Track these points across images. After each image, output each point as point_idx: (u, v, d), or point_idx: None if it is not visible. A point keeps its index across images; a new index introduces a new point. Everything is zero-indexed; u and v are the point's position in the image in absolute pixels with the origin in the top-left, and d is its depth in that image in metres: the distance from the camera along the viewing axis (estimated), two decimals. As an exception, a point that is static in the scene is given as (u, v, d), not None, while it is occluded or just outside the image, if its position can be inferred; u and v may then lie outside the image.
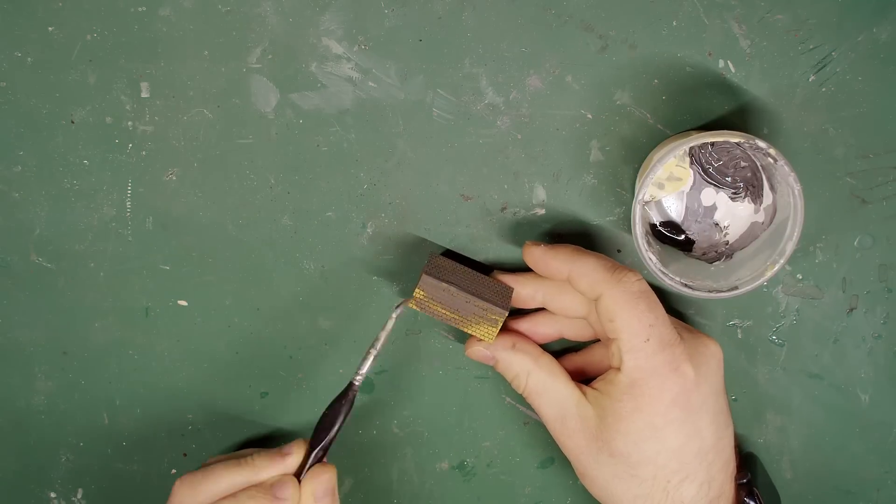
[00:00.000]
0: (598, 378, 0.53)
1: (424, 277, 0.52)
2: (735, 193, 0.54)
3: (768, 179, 0.53)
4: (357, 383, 0.53)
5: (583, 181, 0.56)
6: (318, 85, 0.55)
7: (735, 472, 0.52)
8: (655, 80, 0.55)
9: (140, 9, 0.54)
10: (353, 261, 0.57)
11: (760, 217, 0.54)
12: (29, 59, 0.55)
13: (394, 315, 0.53)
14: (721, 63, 0.55)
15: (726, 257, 0.54)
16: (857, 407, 0.58)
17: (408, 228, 0.57)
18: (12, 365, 0.58)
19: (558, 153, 0.56)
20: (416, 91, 0.55)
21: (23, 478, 0.59)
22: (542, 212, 0.57)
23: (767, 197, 0.54)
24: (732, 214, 0.55)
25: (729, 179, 0.54)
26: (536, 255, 0.53)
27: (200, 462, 0.59)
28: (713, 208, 0.55)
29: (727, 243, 0.55)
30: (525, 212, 0.57)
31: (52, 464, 0.59)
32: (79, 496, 0.60)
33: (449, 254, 0.57)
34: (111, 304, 0.57)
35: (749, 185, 0.54)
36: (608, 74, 0.55)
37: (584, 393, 0.52)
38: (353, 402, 0.53)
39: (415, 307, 0.53)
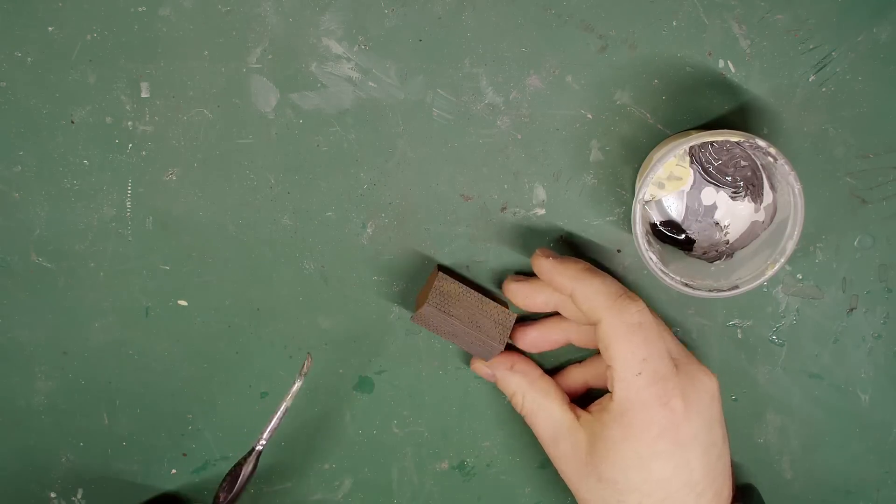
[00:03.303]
0: (595, 402, 0.53)
1: (427, 308, 0.54)
2: (735, 192, 0.54)
3: (768, 178, 0.53)
4: (260, 448, 0.54)
5: (583, 181, 0.56)
6: (318, 85, 0.55)
7: (730, 500, 0.52)
8: (655, 80, 0.55)
9: (140, 9, 0.54)
10: (353, 261, 0.57)
11: (761, 216, 0.54)
12: (29, 59, 0.55)
13: (298, 383, 0.54)
14: (721, 63, 0.55)
15: (726, 256, 0.54)
16: (857, 407, 0.58)
17: (408, 228, 0.57)
18: (12, 365, 0.58)
19: (558, 153, 0.56)
20: (416, 91, 0.55)
21: (23, 478, 0.59)
22: (542, 212, 0.57)
23: (767, 196, 0.54)
24: (733, 213, 0.55)
25: (729, 179, 0.54)
26: (544, 268, 0.53)
27: (200, 462, 0.59)
28: (713, 207, 0.55)
29: (727, 242, 0.55)
30: (525, 212, 0.57)
31: (52, 464, 0.59)
32: (79, 496, 0.60)
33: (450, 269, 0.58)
34: (111, 304, 0.57)
35: (749, 185, 0.54)
36: (608, 74, 0.55)
37: (577, 416, 0.53)
38: (255, 467, 0.54)
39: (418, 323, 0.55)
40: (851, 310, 0.57)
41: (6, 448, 0.59)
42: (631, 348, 0.50)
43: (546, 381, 0.55)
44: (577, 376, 0.57)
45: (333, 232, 0.57)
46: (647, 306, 0.51)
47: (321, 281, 0.57)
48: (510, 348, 0.57)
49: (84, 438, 0.59)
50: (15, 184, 0.56)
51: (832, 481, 0.59)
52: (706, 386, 0.52)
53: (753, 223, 0.54)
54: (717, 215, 0.55)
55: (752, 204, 0.54)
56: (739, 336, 0.57)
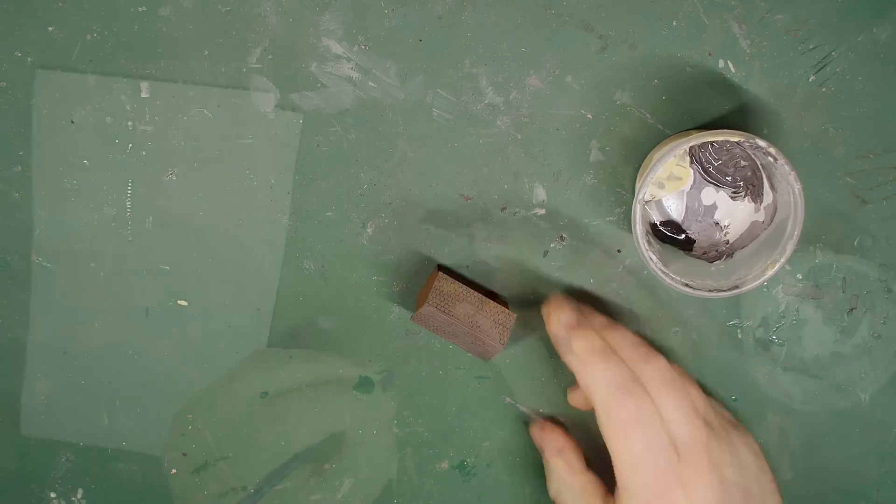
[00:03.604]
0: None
1: (427, 308, 0.54)
2: (735, 192, 0.54)
3: (768, 178, 0.53)
4: None
5: (583, 181, 0.56)
6: (318, 85, 0.55)
7: None
8: (655, 80, 0.55)
9: (140, 9, 0.54)
10: (353, 261, 0.57)
11: (761, 216, 0.54)
12: (29, 59, 0.55)
13: None
14: (721, 63, 0.55)
15: (727, 256, 0.54)
16: (857, 407, 0.58)
17: (408, 228, 0.57)
18: (12, 365, 0.58)
19: (558, 153, 0.56)
20: (416, 91, 0.55)
21: (23, 478, 0.59)
22: (542, 212, 0.57)
23: (767, 196, 0.54)
24: (733, 213, 0.55)
25: (729, 178, 0.54)
26: (554, 337, 0.53)
27: (200, 462, 0.59)
28: (713, 207, 0.55)
29: (727, 242, 0.55)
30: (525, 212, 0.57)
31: (52, 464, 0.59)
32: (79, 496, 0.60)
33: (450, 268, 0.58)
34: (111, 304, 0.57)
35: (749, 185, 0.54)
36: (608, 74, 0.55)
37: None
38: None
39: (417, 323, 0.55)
40: (851, 310, 0.57)
41: (6, 448, 0.59)
42: (628, 446, 0.49)
43: (585, 477, 0.54)
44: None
45: (333, 232, 0.57)
46: (669, 364, 0.51)
47: (321, 281, 0.57)
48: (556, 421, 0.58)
49: (84, 438, 0.59)
50: (15, 184, 0.56)
51: (832, 481, 0.59)
52: (709, 481, 0.49)
53: (753, 223, 0.54)
54: (717, 215, 0.55)
55: (752, 204, 0.54)
56: (739, 336, 0.57)
